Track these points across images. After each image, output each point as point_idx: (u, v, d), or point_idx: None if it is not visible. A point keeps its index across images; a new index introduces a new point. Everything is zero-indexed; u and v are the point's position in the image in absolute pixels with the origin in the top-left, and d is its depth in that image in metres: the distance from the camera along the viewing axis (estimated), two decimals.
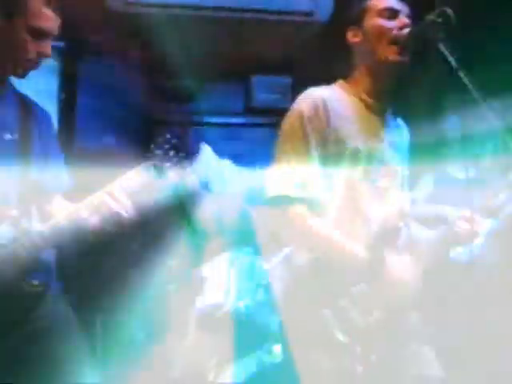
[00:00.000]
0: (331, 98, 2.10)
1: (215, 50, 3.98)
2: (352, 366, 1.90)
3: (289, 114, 2.10)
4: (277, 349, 3.18)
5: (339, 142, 2.04)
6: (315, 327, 1.93)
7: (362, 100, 2.15)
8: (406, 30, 2.05)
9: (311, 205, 2.00)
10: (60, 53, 3.58)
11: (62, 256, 2.12)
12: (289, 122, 2.08)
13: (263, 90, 4.47)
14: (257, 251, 3.53)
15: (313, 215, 2.00)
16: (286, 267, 2.83)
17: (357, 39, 2.16)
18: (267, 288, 3.32)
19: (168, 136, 2.09)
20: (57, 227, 1.96)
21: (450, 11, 1.87)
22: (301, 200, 1.99)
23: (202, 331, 3.27)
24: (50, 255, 2.04)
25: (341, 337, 1.90)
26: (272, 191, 2.03)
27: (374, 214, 2.07)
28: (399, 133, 2.27)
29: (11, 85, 2.13)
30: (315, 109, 2.04)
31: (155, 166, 2.04)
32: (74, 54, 3.84)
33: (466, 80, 1.81)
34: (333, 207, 2.04)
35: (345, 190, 2.05)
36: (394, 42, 2.06)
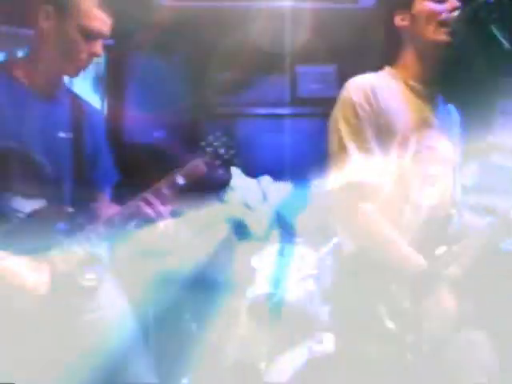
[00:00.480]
0: (379, 84, 2.09)
1: (259, 41, 3.97)
2: (402, 354, 1.89)
3: (339, 101, 2.09)
4: (327, 338, 3.18)
5: (389, 128, 2.03)
6: (365, 316, 1.94)
7: (409, 86, 2.13)
8: (456, 13, 2.01)
9: (368, 193, 2.00)
10: (109, 49, 3.63)
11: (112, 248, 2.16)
12: (340, 109, 2.07)
13: (308, 80, 4.45)
14: (306, 241, 3.53)
15: (371, 206, 1.99)
16: (335, 257, 2.83)
17: (405, 23, 2.12)
18: (317, 278, 3.32)
19: (218, 134, 2.11)
20: (109, 224, 2.01)
21: None
22: (362, 188, 1.99)
23: (253, 321, 3.29)
24: (103, 249, 2.08)
25: (391, 325, 1.90)
26: (334, 180, 2.04)
27: (424, 201, 2.05)
28: (450, 119, 2.24)
29: (64, 84, 2.18)
30: (365, 95, 2.03)
31: (206, 164, 2.07)
32: (123, 49, 3.89)
33: None
34: (382, 194, 2.03)
35: (394, 177, 2.04)
36: (444, 24, 2.03)
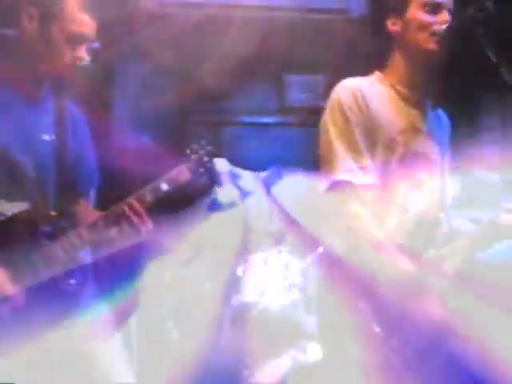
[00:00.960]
0: (368, 88, 2.12)
1: (248, 49, 3.97)
2: (389, 358, 1.89)
3: (329, 103, 2.12)
4: (311, 347, 3.17)
5: (376, 131, 2.06)
6: (351, 321, 1.93)
7: (397, 91, 2.17)
8: (446, 25, 2.04)
9: (356, 194, 2.01)
10: (96, 53, 3.61)
11: (98, 255, 2.15)
12: (330, 111, 2.10)
13: (296, 89, 4.45)
14: (291, 250, 3.52)
15: (359, 207, 2.00)
16: (320, 266, 2.83)
17: (396, 28, 2.15)
18: (301, 287, 3.32)
19: (203, 142, 2.12)
20: (92, 229, 1.99)
21: (489, 5, 1.85)
22: (350, 189, 2.00)
23: (237, 330, 3.28)
24: (86, 255, 2.06)
25: (377, 329, 1.89)
26: (322, 182, 2.05)
27: (411, 205, 2.06)
28: (438, 123, 2.27)
29: (48, 88, 2.17)
30: (354, 98, 2.07)
31: (190, 170, 2.07)
32: (110, 54, 3.88)
33: (506, 75, 1.79)
34: (370, 197, 2.04)
35: (381, 180, 2.05)
36: (434, 34, 2.06)
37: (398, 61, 2.17)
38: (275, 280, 3.34)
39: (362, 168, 2.03)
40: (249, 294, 3.28)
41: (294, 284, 3.33)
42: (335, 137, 2.05)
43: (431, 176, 2.15)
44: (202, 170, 2.10)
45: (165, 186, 2.04)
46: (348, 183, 2.01)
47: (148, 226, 2.01)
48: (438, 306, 1.93)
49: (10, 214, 1.95)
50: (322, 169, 2.10)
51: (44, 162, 2.05)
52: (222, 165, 2.22)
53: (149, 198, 2.02)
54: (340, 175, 2.02)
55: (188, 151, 2.11)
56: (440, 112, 2.30)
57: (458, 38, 2.01)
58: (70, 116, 2.18)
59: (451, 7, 2.10)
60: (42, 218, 1.99)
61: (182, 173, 2.06)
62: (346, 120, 2.05)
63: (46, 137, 2.07)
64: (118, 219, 1.99)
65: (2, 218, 1.94)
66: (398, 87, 2.17)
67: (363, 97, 2.08)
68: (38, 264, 1.92)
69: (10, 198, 1.97)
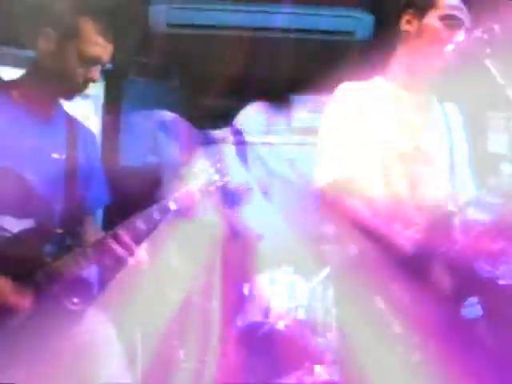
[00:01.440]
0: (367, 90, 2.11)
1: (256, 70, 4.00)
2: (409, 356, 1.86)
3: (328, 105, 2.12)
4: (317, 369, 3.15)
5: (374, 133, 2.04)
6: (371, 319, 1.91)
7: (396, 92, 2.14)
8: (457, 45, 2.01)
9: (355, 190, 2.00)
10: (104, 73, 3.65)
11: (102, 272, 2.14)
12: (329, 112, 2.10)
13: (304, 109, 4.46)
14: (298, 271, 3.52)
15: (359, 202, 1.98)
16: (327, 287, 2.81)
17: (409, 28, 2.12)
18: (308, 308, 3.30)
19: (212, 160, 2.13)
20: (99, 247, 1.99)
21: (496, 27, 1.85)
22: (349, 185, 1.98)
23: (243, 350, 3.26)
24: (91, 272, 2.06)
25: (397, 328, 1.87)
26: (324, 178, 2.02)
27: (420, 202, 2.04)
28: (445, 121, 2.21)
29: (60, 106, 2.19)
30: (352, 99, 2.06)
31: (199, 189, 2.08)
32: (118, 74, 3.91)
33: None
34: (371, 193, 2.02)
35: (387, 181, 2.04)
36: (446, 50, 2.02)
37: (399, 63, 2.15)
38: (282, 300, 3.33)
39: (360, 165, 2.01)
40: (255, 314, 3.27)
41: (300, 305, 3.31)
42: (334, 137, 2.04)
43: (433, 172, 2.11)
44: (211, 188, 2.12)
45: (173, 205, 2.04)
46: (345, 180, 1.99)
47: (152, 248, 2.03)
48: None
49: (16, 230, 1.95)
50: (320, 168, 2.06)
51: (52, 180, 2.06)
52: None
53: (156, 216, 2.02)
54: (338, 172, 2.00)
55: (197, 170, 2.12)
56: (448, 107, 2.25)
57: (465, 58, 1.99)
58: (81, 135, 2.20)
59: (468, 26, 2.05)
60: (48, 236, 1.99)
61: (191, 192, 2.07)
62: (345, 121, 2.04)
63: (56, 155, 2.09)
64: (124, 239, 2.00)
65: (8, 234, 1.95)
66: (398, 89, 2.14)
67: (362, 99, 2.06)
68: (41, 281, 1.91)
69: (17, 214, 1.97)
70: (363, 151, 2.03)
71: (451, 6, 2.06)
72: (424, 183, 2.08)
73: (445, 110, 2.24)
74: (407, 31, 2.12)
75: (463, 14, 2.06)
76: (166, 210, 2.03)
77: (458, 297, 1.90)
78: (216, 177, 2.13)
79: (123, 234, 1.98)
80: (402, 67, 2.15)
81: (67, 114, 2.22)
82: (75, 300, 1.97)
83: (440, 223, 1.96)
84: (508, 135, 3.54)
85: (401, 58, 2.15)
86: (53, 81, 2.06)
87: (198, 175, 2.11)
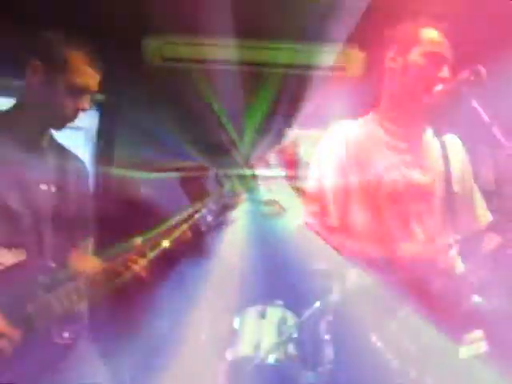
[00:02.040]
0: (357, 130, 2.14)
1: (252, 103, 4.03)
2: None
3: (318, 146, 2.16)
4: None
5: (364, 171, 2.07)
6: (366, 356, 1.90)
7: (386, 129, 2.16)
8: (444, 85, 2.04)
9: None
10: (99, 105, 3.68)
11: (93, 307, 2.14)
12: (320, 150, 2.14)
13: (293, 143, 4.48)
14: (288, 304, 3.50)
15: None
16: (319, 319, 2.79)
17: (394, 65, 2.14)
18: (298, 342, 3.27)
19: (207, 201, 2.16)
20: (91, 281, 1.99)
21: (482, 69, 1.88)
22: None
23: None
24: (81, 307, 2.05)
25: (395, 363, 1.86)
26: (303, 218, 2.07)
27: (413, 239, 2.06)
28: (444, 152, 2.22)
29: (51, 137, 2.20)
30: (341, 143, 2.07)
31: (192, 229, 2.11)
32: (113, 106, 3.94)
33: (499, 136, 1.81)
34: (361, 230, 2.05)
35: (374, 217, 2.05)
36: (430, 90, 2.05)
37: (388, 100, 2.17)
38: (271, 334, 3.30)
39: (348, 202, 2.04)
40: (244, 347, 3.24)
41: (290, 339, 3.28)
42: (321, 174, 2.08)
43: (427, 207, 2.12)
44: (205, 228, 2.14)
45: (166, 243, 2.07)
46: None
47: (146, 280, 2.02)
48: None
49: (8, 263, 1.94)
50: (307, 203, 2.12)
51: (41, 211, 2.06)
52: None
53: (148, 252, 2.05)
54: (311, 216, 2.06)
55: (191, 209, 2.14)
56: (448, 139, 2.25)
57: (453, 100, 2.01)
58: (73, 167, 2.21)
59: (452, 61, 2.09)
60: (40, 269, 1.98)
61: (184, 231, 2.09)
62: (333, 165, 2.08)
63: (45, 187, 2.08)
64: (116, 273, 2.00)
65: (1, 267, 1.94)
66: (388, 125, 2.16)
67: (352, 141, 2.09)
68: (32, 315, 1.90)
69: (8, 246, 1.97)
70: (354, 191, 2.05)
71: (434, 43, 2.09)
72: (417, 219, 2.09)
73: (442, 142, 2.23)
74: (392, 68, 2.14)
75: (446, 51, 2.09)
76: (158, 247, 2.06)
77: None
78: (209, 218, 2.16)
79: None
80: (389, 102, 2.17)
81: (59, 146, 2.23)
82: (65, 334, 1.96)
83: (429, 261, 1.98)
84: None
85: (389, 93, 2.17)
86: (41, 111, 2.07)
87: (192, 214, 2.14)
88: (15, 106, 2.14)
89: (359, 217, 2.06)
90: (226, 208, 2.16)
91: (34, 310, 1.90)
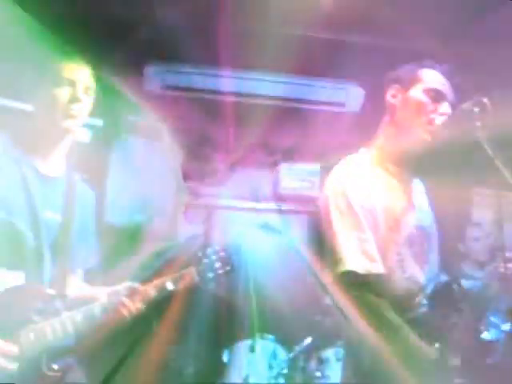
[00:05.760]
0: (358, 173, 2.09)
1: (248, 135, 4.05)
2: None
3: (322, 194, 2.11)
4: None
5: (368, 216, 2.01)
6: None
7: (387, 169, 2.14)
8: (444, 117, 2.05)
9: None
10: (97, 130, 3.67)
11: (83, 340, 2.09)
12: (320, 207, 2.09)
13: (291, 178, 4.49)
14: (279, 339, 3.46)
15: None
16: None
17: (395, 101, 2.14)
18: (288, 377, 3.23)
19: (217, 247, 2.16)
20: (88, 315, 1.97)
21: (486, 100, 1.88)
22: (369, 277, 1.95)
23: None
24: (72, 339, 2.00)
25: None
26: (345, 266, 1.97)
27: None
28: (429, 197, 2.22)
29: (64, 166, 2.17)
30: (339, 191, 2.03)
31: (199, 274, 2.12)
32: (111, 132, 3.93)
33: (503, 169, 1.80)
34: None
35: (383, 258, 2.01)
36: (431, 123, 2.06)
37: (388, 137, 2.15)
38: (261, 368, 3.26)
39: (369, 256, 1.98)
40: (234, 380, 3.20)
41: (280, 373, 3.24)
42: (330, 230, 2.02)
43: (428, 248, 2.12)
44: (210, 275, 2.13)
45: (170, 285, 2.07)
46: (356, 274, 1.94)
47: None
48: None
49: (6, 285, 1.90)
50: (328, 259, 2.04)
51: (45, 237, 2.02)
52: None
53: (152, 293, 2.05)
54: (347, 265, 1.96)
55: (200, 254, 2.14)
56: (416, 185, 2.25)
57: (456, 131, 2.01)
58: (79, 194, 2.17)
59: (453, 101, 2.09)
60: (38, 295, 1.94)
61: (190, 275, 2.10)
62: (334, 215, 2.02)
63: (50, 213, 2.05)
64: (115, 309, 1.99)
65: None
66: (389, 165, 2.14)
67: (350, 189, 2.03)
68: (24, 342, 1.86)
69: (9, 266, 1.93)
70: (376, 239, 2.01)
71: (435, 81, 2.10)
72: (420, 260, 2.09)
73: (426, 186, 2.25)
74: (392, 104, 2.15)
75: (447, 89, 2.10)
76: (162, 289, 2.07)
77: None
78: (217, 264, 2.15)
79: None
80: (389, 141, 2.15)
81: (70, 175, 2.19)
82: (55, 366, 1.91)
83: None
84: (491, 212, 3.58)
85: (388, 131, 2.17)
86: (43, 136, 2.07)
87: (200, 259, 2.14)
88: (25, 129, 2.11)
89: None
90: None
91: (26, 335, 1.86)
